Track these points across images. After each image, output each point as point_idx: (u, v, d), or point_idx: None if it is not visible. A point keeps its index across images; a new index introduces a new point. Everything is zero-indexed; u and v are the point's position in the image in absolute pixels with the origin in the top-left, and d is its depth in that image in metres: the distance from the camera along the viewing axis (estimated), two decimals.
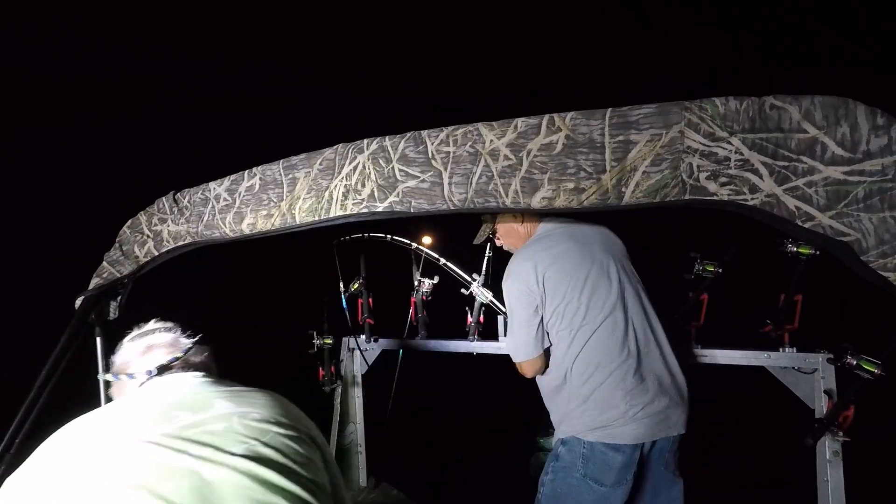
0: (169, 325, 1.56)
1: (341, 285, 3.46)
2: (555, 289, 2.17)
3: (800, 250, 2.31)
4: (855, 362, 2.12)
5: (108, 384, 1.47)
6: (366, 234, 3.37)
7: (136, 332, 1.54)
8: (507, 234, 2.50)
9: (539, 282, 2.18)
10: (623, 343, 2.12)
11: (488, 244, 2.81)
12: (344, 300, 3.45)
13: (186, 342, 1.48)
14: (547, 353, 2.27)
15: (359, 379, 3.66)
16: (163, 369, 1.35)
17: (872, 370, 2.08)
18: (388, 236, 3.31)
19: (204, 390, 1.25)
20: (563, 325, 2.17)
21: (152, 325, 1.55)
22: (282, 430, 1.13)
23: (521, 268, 2.24)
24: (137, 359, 1.42)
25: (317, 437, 1.23)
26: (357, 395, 3.66)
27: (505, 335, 3.02)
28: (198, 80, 6.79)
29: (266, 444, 1.07)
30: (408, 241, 3.27)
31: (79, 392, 2.65)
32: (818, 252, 2.28)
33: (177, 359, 1.39)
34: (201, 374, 1.35)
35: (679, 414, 2.13)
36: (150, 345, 1.45)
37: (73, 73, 6.08)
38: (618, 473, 2.03)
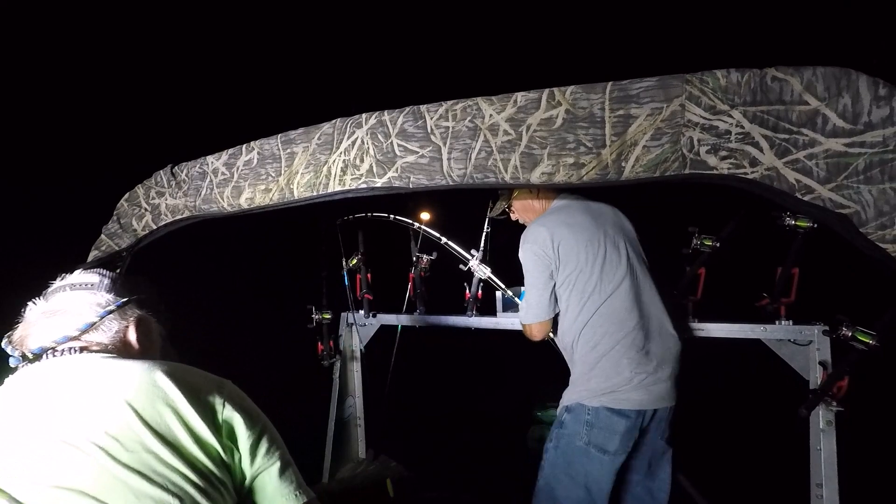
0: (93, 278, 1.27)
1: (344, 262, 3.46)
2: (567, 256, 2.22)
3: (797, 224, 2.32)
4: (850, 334, 2.14)
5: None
6: (369, 214, 3.35)
7: (50, 287, 1.24)
8: (523, 209, 2.55)
9: (554, 248, 2.23)
10: (630, 313, 2.18)
11: (487, 220, 2.84)
12: (346, 277, 3.46)
13: (102, 307, 1.20)
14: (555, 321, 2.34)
15: (357, 353, 3.68)
16: (43, 353, 1.10)
17: (868, 341, 2.10)
18: (391, 216, 3.29)
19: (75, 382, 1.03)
20: (574, 292, 2.23)
21: (70, 278, 1.26)
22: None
23: (536, 234, 2.29)
24: (33, 329, 1.15)
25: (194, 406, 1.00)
26: (356, 370, 3.69)
27: (503, 311, 3.06)
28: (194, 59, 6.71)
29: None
30: (410, 221, 3.26)
31: None
32: (815, 225, 2.28)
33: (69, 338, 1.13)
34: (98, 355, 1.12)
35: (675, 385, 2.18)
36: (53, 310, 1.18)
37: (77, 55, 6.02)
38: (621, 439, 2.07)
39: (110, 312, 1.19)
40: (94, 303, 1.20)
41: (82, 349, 1.12)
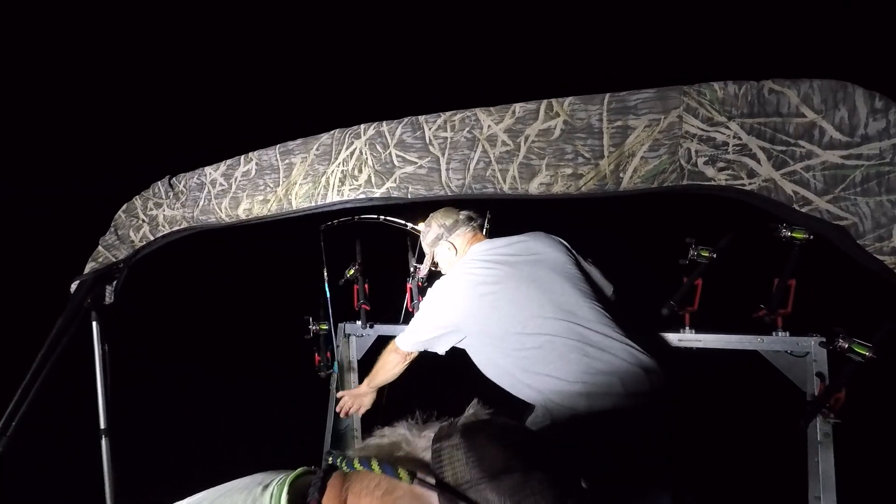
0: None
1: (325, 273, 3.37)
2: (473, 322, 2.15)
3: (794, 235, 2.32)
4: (847, 346, 2.14)
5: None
6: (355, 217, 3.29)
7: None
8: (444, 260, 2.54)
9: (455, 317, 2.20)
10: (578, 347, 2.00)
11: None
12: (328, 290, 3.37)
13: None
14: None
15: (354, 365, 3.67)
16: None
17: (864, 353, 2.09)
18: (381, 217, 3.25)
19: None
20: (501, 341, 2.09)
21: None
22: None
23: (453, 287, 2.23)
24: None
25: None
26: (353, 381, 3.67)
27: None
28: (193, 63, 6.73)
29: None
30: (402, 222, 3.23)
31: (75, 378, 2.66)
32: (812, 237, 2.29)
33: None
34: None
35: (640, 398, 1.98)
36: None
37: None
38: None
39: None
40: None
41: None
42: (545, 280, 2.16)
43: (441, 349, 2.34)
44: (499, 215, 2.80)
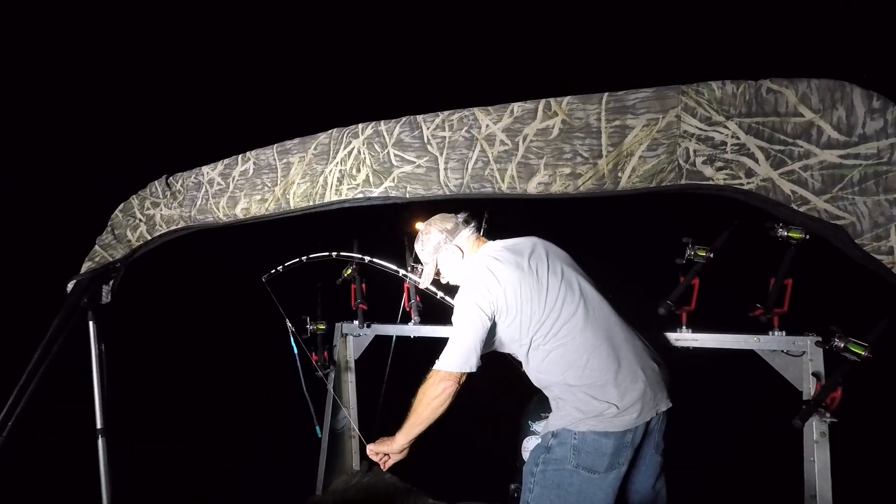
0: None
1: (288, 324, 3.14)
2: (515, 300, 2.10)
3: (790, 235, 2.32)
4: (843, 345, 2.14)
5: None
6: (304, 258, 3.18)
7: None
8: (447, 265, 2.41)
9: (502, 292, 2.10)
10: (595, 337, 2.09)
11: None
12: (293, 341, 3.15)
13: None
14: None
15: (352, 364, 3.67)
16: None
17: (860, 352, 2.10)
18: (333, 254, 3.14)
19: None
20: (532, 332, 2.11)
21: None
22: None
23: (481, 278, 2.15)
24: None
25: None
26: (350, 381, 3.68)
27: None
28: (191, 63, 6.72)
29: None
30: (359, 256, 3.13)
31: (72, 377, 2.65)
32: (808, 236, 2.29)
33: None
34: None
35: (661, 391, 2.13)
36: None
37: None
38: (610, 458, 2.04)
39: None
40: None
41: None
42: (567, 276, 2.19)
43: (487, 350, 2.19)
44: (496, 216, 2.81)
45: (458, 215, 2.41)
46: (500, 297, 2.09)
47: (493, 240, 2.38)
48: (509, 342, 2.20)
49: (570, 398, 2.09)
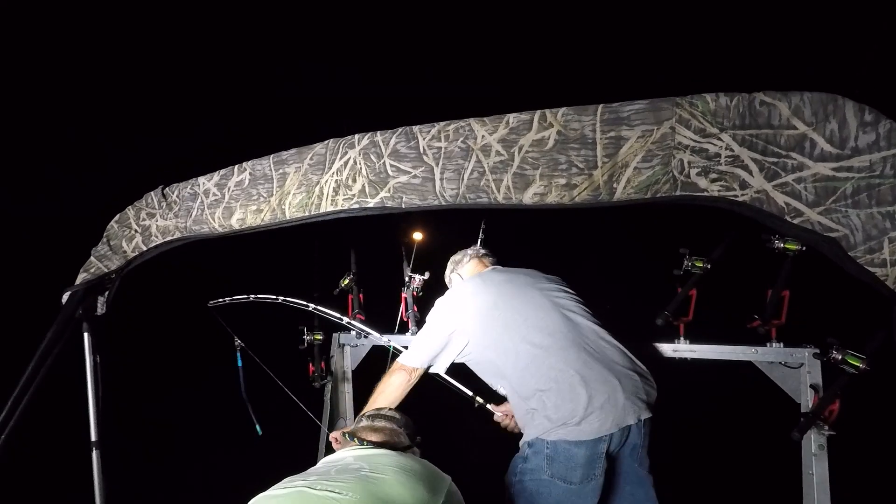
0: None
1: (237, 343, 3.19)
2: (490, 307, 2.27)
3: (787, 246, 2.32)
4: (840, 357, 2.14)
5: None
6: (250, 296, 3.20)
7: None
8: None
9: (473, 305, 2.30)
10: (570, 349, 2.14)
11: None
12: (239, 359, 3.19)
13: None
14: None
15: (349, 375, 3.64)
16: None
17: (858, 365, 2.09)
18: (280, 298, 3.17)
19: None
20: (505, 340, 2.22)
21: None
22: None
23: (455, 294, 2.41)
24: None
25: None
26: (347, 391, 3.65)
27: None
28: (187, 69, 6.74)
29: None
30: (304, 302, 3.16)
31: (66, 389, 2.63)
32: (805, 248, 2.29)
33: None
34: None
35: (639, 400, 2.12)
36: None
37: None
38: (583, 469, 2.03)
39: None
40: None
41: None
42: (543, 287, 2.34)
43: (446, 361, 2.40)
44: (493, 229, 2.85)
45: (472, 248, 2.74)
46: (461, 319, 2.30)
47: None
48: (488, 364, 2.33)
49: (541, 407, 2.10)
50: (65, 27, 5.94)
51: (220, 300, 3.23)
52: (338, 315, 3.12)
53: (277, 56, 7.07)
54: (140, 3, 6.16)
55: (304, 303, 3.13)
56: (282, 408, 3.09)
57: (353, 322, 3.14)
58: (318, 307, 3.13)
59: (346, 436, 1.84)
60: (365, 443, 1.77)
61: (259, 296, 3.16)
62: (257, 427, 3.18)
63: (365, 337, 3.43)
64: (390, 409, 2.13)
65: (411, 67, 6.96)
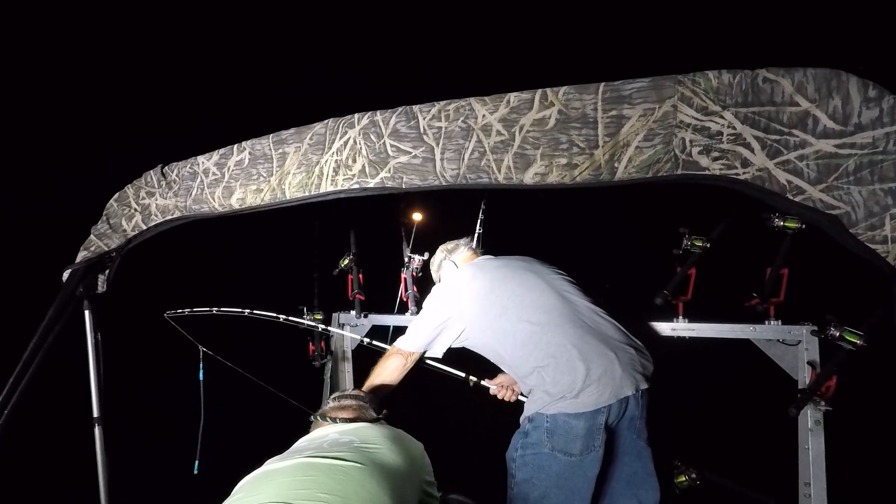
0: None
1: (202, 349, 3.18)
2: (486, 294, 2.30)
3: (786, 225, 2.32)
4: (838, 334, 2.15)
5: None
6: (214, 309, 3.12)
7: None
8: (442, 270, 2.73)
9: (469, 291, 2.33)
10: (566, 325, 2.18)
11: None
12: (202, 372, 3.18)
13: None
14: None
15: (349, 354, 3.66)
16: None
17: (855, 341, 2.11)
18: (247, 311, 3.11)
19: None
20: (503, 321, 2.25)
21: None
22: None
23: (456, 277, 2.43)
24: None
25: None
26: (347, 371, 3.67)
27: None
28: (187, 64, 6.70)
29: None
30: (274, 315, 3.12)
31: (67, 367, 2.65)
32: (804, 226, 2.29)
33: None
34: None
35: (636, 372, 2.16)
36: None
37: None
38: (583, 441, 2.07)
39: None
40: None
41: None
42: (537, 270, 2.37)
43: (442, 346, 2.43)
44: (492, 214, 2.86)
45: (464, 238, 2.76)
46: (457, 306, 2.33)
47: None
48: (487, 348, 2.36)
49: (540, 383, 2.14)
50: (65, 27, 5.87)
51: (180, 311, 3.13)
52: (274, 314, 3.07)
53: (277, 56, 7.04)
54: (140, 3, 6.09)
55: (274, 314, 3.07)
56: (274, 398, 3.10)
57: (329, 328, 3.20)
58: (290, 318, 3.09)
59: (318, 417, 1.89)
60: (338, 420, 1.83)
61: (223, 308, 3.07)
62: (196, 463, 3.08)
63: (365, 317, 3.44)
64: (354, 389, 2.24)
65: (411, 67, 6.91)
